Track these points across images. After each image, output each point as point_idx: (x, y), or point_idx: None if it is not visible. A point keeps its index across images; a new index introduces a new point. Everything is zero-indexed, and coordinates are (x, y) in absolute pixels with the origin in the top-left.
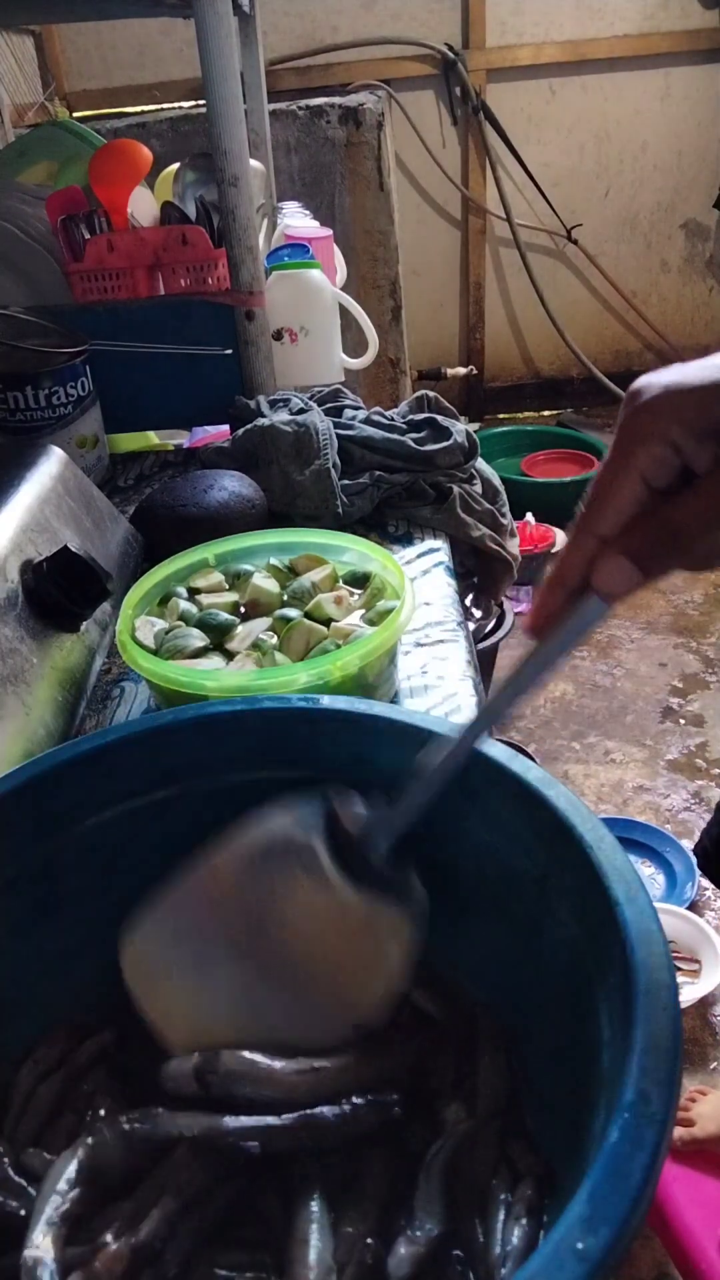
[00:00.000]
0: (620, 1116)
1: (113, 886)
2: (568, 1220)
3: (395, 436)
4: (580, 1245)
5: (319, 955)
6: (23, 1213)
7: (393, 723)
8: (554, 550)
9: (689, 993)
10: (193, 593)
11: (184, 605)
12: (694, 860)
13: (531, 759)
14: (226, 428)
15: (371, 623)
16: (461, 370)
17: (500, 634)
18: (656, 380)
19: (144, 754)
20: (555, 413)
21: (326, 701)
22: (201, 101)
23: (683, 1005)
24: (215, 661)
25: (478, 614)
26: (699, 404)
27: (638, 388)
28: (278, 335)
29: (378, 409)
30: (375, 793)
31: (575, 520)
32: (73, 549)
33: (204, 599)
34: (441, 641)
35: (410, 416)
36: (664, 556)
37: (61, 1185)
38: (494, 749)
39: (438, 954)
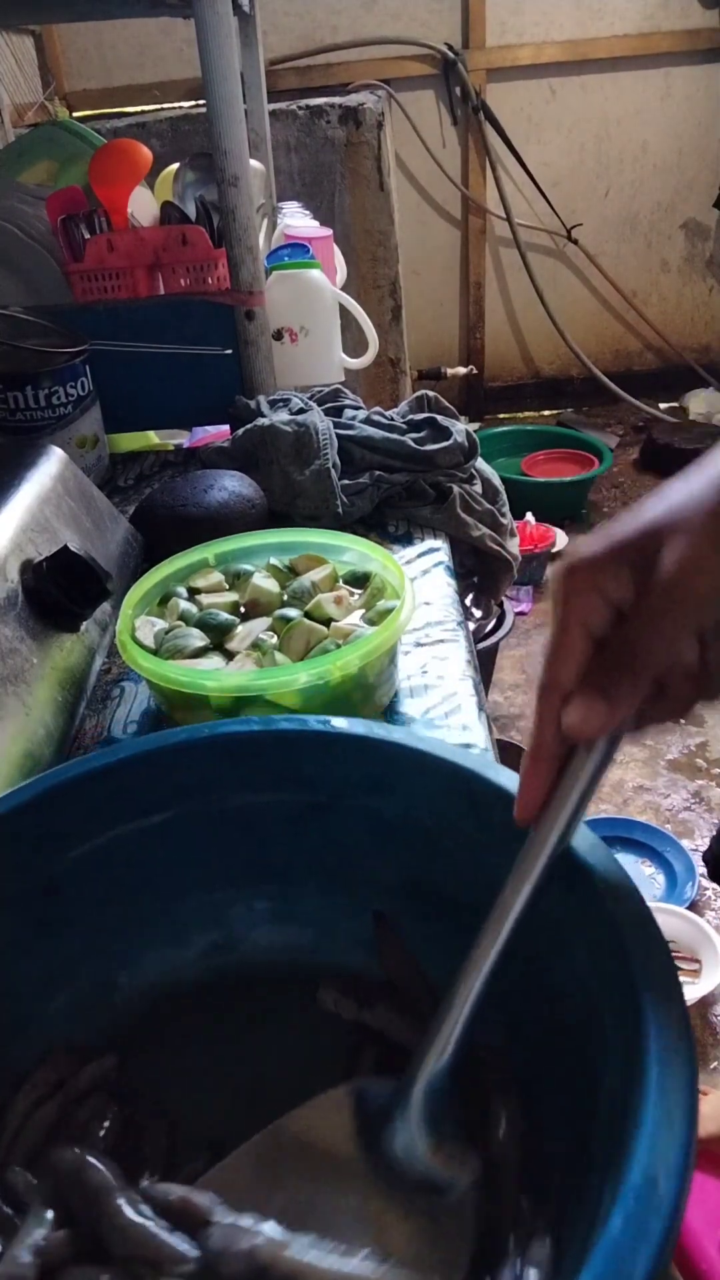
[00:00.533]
0: (625, 1202)
1: (118, 906)
2: None
3: (395, 436)
4: None
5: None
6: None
7: (411, 750)
8: (554, 550)
9: (689, 993)
10: (193, 593)
11: (184, 605)
12: (695, 860)
13: None
14: (226, 428)
15: (371, 622)
16: (461, 370)
17: (500, 634)
18: (577, 547)
19: (154, 773)
20: (555, 412)
21: (344, 725)
22: (201, 101)
23: None
24: (215, 661)
25: (478, 614)
26: (609, 549)
27: (560, 563)
28: (278, 335)
29: (378, 409)
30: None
31: (537, 693)
32: (73, 549)
33: (204, 599)
34: (441, 641)
35: (410, 416)
36: (622, 675)
37: (45, 1217)
38: (512, 780)
39: (444, 993)
